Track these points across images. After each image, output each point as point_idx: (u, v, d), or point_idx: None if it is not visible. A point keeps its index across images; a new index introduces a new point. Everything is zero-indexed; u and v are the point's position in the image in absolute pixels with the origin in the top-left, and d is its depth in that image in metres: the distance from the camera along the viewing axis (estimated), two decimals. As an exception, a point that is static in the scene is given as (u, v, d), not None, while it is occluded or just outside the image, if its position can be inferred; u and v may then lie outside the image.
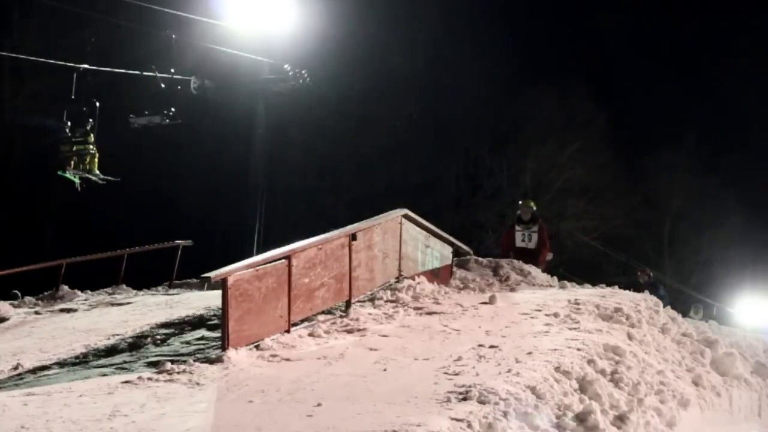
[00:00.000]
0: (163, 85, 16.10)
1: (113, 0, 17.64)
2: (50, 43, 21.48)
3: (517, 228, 14.01)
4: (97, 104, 16.13)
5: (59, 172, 16.30)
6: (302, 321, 8.65)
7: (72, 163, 16.07)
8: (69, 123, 16.02)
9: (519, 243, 13.83)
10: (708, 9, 33.84)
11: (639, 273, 18.10)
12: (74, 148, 16.08)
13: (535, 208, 14.30)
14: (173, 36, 16.50)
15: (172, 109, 16.36)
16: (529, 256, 13.46)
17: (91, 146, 16.22)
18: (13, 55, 20.31)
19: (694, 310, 19.16)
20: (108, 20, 18.48)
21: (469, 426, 5.72)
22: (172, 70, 16.37)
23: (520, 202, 14.80)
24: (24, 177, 25.32)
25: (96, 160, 16.33)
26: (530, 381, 6.70)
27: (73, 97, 16.06)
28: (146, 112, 16.40)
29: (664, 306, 14.58)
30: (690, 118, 33.37)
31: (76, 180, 16.23)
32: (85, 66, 15.82)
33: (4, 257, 17.86)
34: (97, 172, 16.41)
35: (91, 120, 16.18)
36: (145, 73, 16.48)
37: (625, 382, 7.48)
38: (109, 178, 16.83)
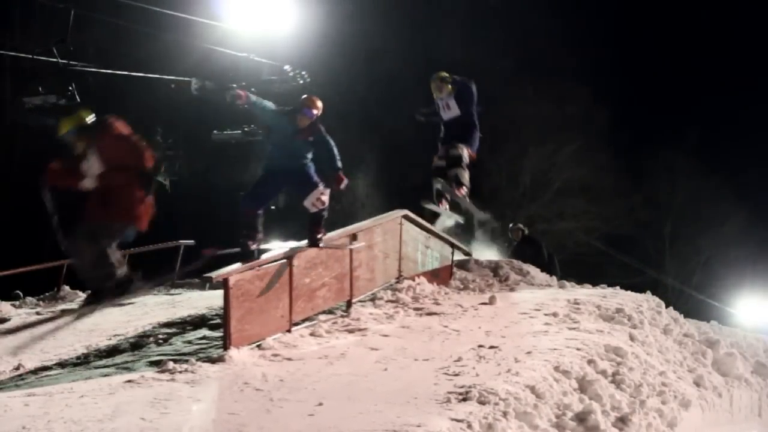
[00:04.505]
0: (61, 62, 15.84)
1: (113, 0, 17.62)
2: (51, 43, 21.45)
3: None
4: None
5: None
6: (303, 321, 8.67)
7: (162, 166, 16.72)
8: (160, 129, 16.61)
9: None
10: (708, 8, 33.81)
11: (510, 232, 15.33)
12: (165, 153, 16.73)
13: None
14: (72, 10, 16.18)
15: (70, 88, 16.15)
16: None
17: (181, 151, 16.86)
18: (23, 55, 20.30)
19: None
20: (109, 21, 18.46)
21: (469, 426, 5.74)
22: (71, 48, 16.08)
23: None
24: (24, 177, 25.30)
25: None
26: (529, 380, 6.72)
27: None
28: (41, 90, 16.19)
29: (552, 264, 14.18)
30: (690, 117, 33.34)
31: (167, 183, 16.83)
32: (172, 77, 16.27)
33: (5, 258, 17.88)
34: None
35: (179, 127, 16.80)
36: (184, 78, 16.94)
37: (627, 383, 7.50)
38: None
